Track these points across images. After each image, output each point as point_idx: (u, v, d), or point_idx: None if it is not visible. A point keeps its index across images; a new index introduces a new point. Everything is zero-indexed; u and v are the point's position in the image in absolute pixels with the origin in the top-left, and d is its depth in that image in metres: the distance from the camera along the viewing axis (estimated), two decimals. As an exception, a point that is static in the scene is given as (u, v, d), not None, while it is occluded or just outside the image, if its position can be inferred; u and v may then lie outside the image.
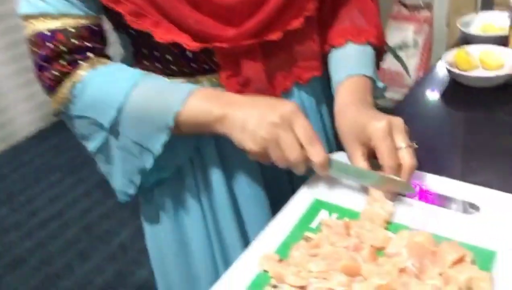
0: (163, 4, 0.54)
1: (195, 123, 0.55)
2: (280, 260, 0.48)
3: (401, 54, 2.11)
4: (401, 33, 2.23)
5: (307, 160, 0.52)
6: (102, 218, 1.97)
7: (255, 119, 0.51)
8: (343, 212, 0.54)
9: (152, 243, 0.72)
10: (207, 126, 0.55)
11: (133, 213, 1.87)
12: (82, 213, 2.02)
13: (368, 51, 0.66)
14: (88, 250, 1.84)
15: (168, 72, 0.61)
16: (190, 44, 0.56)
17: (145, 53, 0.61)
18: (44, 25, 0.56)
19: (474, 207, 0.52)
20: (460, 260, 0.44)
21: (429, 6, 2.18)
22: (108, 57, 0.61)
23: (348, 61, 0.65)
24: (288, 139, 0.51)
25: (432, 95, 0.85)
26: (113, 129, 0.56)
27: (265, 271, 0.48)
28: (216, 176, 0.64)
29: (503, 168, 0.62)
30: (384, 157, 0.52)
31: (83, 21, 0.57)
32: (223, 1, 0.55)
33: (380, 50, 0.70)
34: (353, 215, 0.53)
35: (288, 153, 0.51)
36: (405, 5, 2.24)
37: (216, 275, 0.66)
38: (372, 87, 0.64)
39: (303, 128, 0.52)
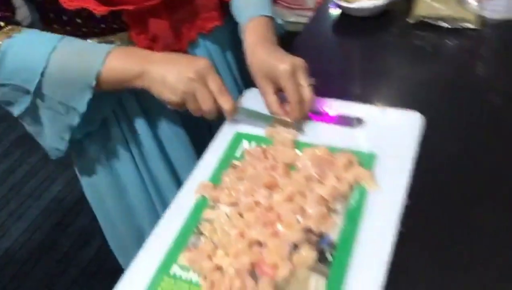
0: None
1: (116, 80, 0.61)
2: (214, 186, 0.59)
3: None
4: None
5: (218, 108, 0.62)
6: (27, 176, 1.95)
7: (173, 75, 0.59)
8: (260, 140, 0.65)
9: (91, 193, 0.79)
10: (127, 82, 0.61)
11: (58, 167, 1.87)
12: (6, 174, 1.98)
13: None
14: (21, 210, 1.84)
15: (79, 34, 0.65)
16: (97, 8, 0.61)
17: (53, 18, 0.64)
18: None
19: (360, 121, 0.65)
20: (349, 164, 0.57)
21: None
22: (18, 24, 0.63)
23: (247, 5, 0.73)
24: (203, 92, 0.60)
25: (326, 26, 0.96)
26: (38, 93, 0.60)
27: (203, 196, 0.59)
28: (140, 125, 0.71)
29: (388, 85, 0.76)
30: (290, 94, 0.63)
31: None
32: None
33: None
34: (268, 141, 0.64)
35: (203, 104, 0.60)
36: None
37: (155, 214, 0.76)
38: (273, 25, 0.73)
39: (215, 81, 0.61)
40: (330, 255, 0.50)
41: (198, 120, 0.74)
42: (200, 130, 0.77)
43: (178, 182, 0.76)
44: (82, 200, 0.80)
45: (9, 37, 0.59)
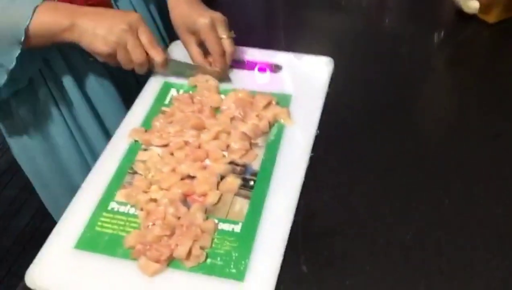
0: None
1: (45, 34, 0.61)
2: (145, 131, 0.64)
3: None
4: None
5: (149, 61, 0.65)
6: None
7: (105, 26, 0.60)
8: (187, 89, 0.70)
9: (22, 156, 0.79)
10: (57, 36, 0.61)
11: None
12: None
13: None
14: None
15: None
16: None
17: None
18: None
19: (278, 67, 0.72)
20: (268, 104, 0.64)
21: None
22: None
23: None
24: (134, 43, 0.62)
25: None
26: None
27: (136, 141, 0.63)
28: (68, 83, 0.73)
29: (305, 35, 0.83)
30: (211, 46, 0.67)
31: None
32: None
33: None
34: (195, 89, 0.69)
35: (134, 55, 0.63)
36: None
37: (88, 169, 0.78)
38: None
39: (146, 33, 0.63)
40: (252, 182, 0.57)
41: (126, 75, 0.78)
42: (128, 85, 0.80)
43: (107, 134, 0.79)
44: (9, 170, 0.79)
45: None
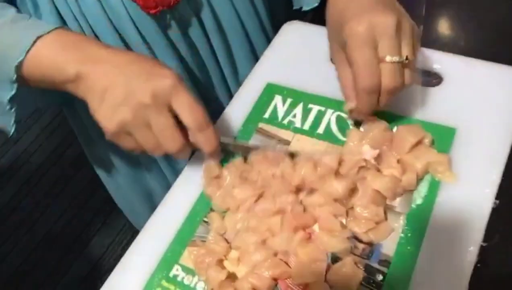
0: None
1: (43, 79, 0.42)
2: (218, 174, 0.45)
3: None
4: None
5: (191, 145, 0.42)
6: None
7: (119, 91, 0.39)
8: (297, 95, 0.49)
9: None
10: (58, 85, 0.42)
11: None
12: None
13: None
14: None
15: None
16: None
17: None
18: None
19: (436, 77, 0.48)
20: (417, 144, 0.41)
21: None
22: None
23: None
24: (164, 123, 0.40)
25: None
26: None
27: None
28: None
29: (475, 28, 0.57)
30: (358, 73, 0.39)
31: None
32: None
33: None
34: (308, 98, 0.49)
35: (165, 140, 0.40)
36: None
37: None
38: None
39: (187, 109, 0.40)
40: (381, 276, 0.36)
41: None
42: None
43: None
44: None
45: None
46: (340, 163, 0.41)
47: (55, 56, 0.41)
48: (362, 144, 0.41)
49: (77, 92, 0.41)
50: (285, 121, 0.48)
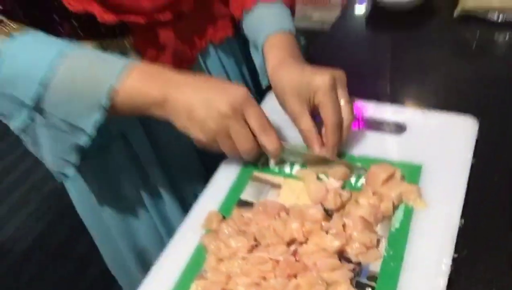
0: None
1: (131, 104, 0.49)
2: (223, 219, 0.50)
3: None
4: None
5: (258, 147, 0.51)
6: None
7: (202, 108, 0.48)
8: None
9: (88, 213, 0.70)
10: (145, 109, 0.49)
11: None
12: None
13: (283, 7, 0.64)
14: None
15: (72, 37, 0.54)
16: (104, 16, 0.52)
17: (40, 17, 0.54)
18: None
19: (401, 127, 0.56)
20: (390, 177, 0.49)
21: None
22: (21, 22, 0.54)
23: (265, 22, 0.63)
24: (240, 130, 0.49)
25: (358, 22, 0.88)
26: (37, 107, 0.49)
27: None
28: (146, 154, 0.63)
29: (431, 86, 0.67)
30: (329, 113, 0.51)
31: None
32: None
33: (292, 9, 0.68)
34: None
35: (241, 144, 0.50)
36: None
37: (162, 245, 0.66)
38: (296, 40, 0.61)
39: (255, 116, 0.49)
40: (370, 289, 0.41)
41: None
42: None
43: (185, 206, 0.67)
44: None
45: (11, 37, 0.49)
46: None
47: (140, 83, 0.48)
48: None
49: (162, 113, 0.49)
50: (276, 168, 0.55)
